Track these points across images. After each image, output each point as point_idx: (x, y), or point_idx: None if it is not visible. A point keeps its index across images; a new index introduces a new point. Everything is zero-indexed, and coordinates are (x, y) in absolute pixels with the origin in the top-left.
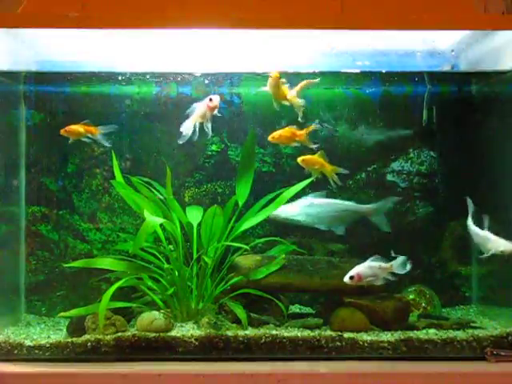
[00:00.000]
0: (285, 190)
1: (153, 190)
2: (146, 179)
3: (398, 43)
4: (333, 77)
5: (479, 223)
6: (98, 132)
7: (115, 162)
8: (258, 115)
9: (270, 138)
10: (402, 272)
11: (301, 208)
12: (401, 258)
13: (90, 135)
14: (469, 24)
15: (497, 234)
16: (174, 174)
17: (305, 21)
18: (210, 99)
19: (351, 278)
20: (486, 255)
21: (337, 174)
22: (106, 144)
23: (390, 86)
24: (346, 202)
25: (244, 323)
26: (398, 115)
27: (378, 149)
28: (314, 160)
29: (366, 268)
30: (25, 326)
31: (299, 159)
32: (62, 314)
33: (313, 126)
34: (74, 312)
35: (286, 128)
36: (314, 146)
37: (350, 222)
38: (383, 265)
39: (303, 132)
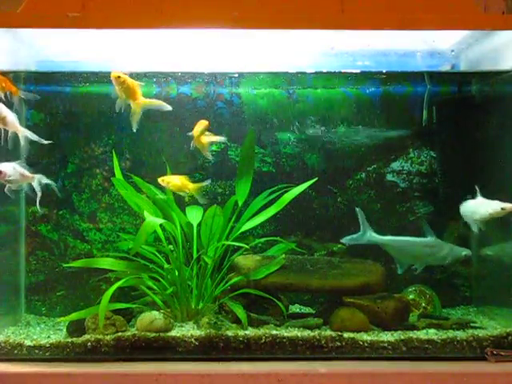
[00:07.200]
0: (277, 187)
1: (153, 189)
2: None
3: (398, 43)
4: (333, 77)
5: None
6: (17, 94)
7: (116, 161)
8: (258, 115)
9: (159, 180)
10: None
11: None
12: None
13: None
14: (469, 24)
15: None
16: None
17: (305, 21)
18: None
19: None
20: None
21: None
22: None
23: (390, 86)
24: None
25: (244, 323)
26: (398, 115)
27: (378, 149)
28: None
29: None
30: (25, 326)
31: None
32: (62, 319)
33: (205, 184)
34: (73, 316)
35: (179, 176)
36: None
37: None
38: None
39: (194, 187)
